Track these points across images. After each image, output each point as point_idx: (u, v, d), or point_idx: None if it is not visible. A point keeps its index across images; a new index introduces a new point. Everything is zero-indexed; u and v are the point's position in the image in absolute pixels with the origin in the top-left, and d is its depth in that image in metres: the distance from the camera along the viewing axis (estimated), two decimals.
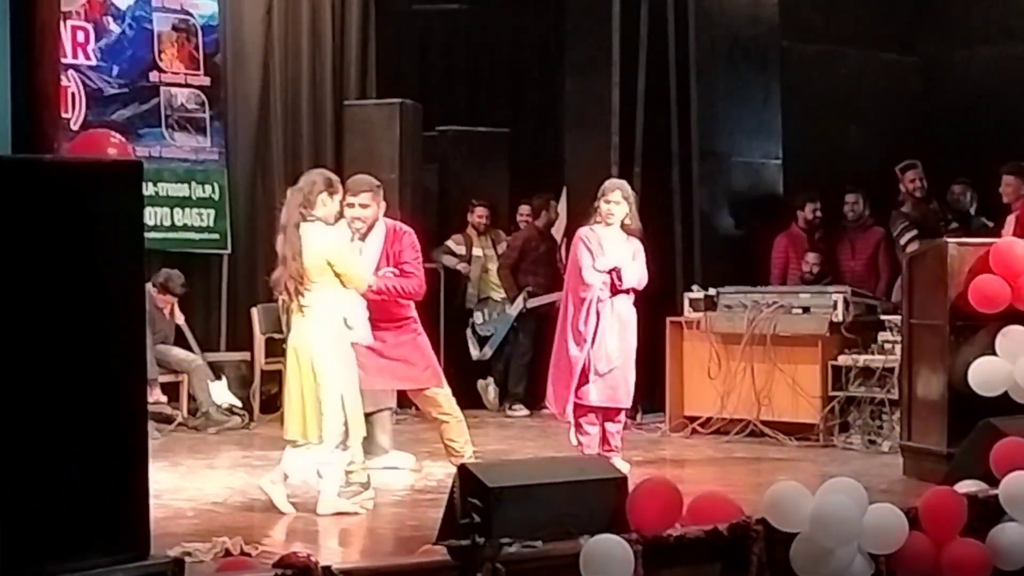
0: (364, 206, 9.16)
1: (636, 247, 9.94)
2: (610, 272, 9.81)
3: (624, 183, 10.36)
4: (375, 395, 9.51)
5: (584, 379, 9.83)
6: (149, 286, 11.82)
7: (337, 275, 8.28)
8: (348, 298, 8.42)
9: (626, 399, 10.04)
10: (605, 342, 9.83)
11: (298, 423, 8.25)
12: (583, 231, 9.99)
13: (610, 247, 9.86)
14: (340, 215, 8.67)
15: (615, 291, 9.84)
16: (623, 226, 9.91)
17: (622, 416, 10.14)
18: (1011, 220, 11.32)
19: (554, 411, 10.10)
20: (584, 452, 9.58)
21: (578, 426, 9.87)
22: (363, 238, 9.18)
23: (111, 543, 4.46)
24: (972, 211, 12.18)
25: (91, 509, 4.43)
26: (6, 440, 4.32)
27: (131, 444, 4.51)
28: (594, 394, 9.84)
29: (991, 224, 11.91)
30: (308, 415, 8.20)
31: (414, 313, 9.54)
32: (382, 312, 9.14)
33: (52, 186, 4.41)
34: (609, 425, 9.96)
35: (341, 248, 8.43)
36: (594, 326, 9.82)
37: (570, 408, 9.84)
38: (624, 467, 9.88)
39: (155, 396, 11.65)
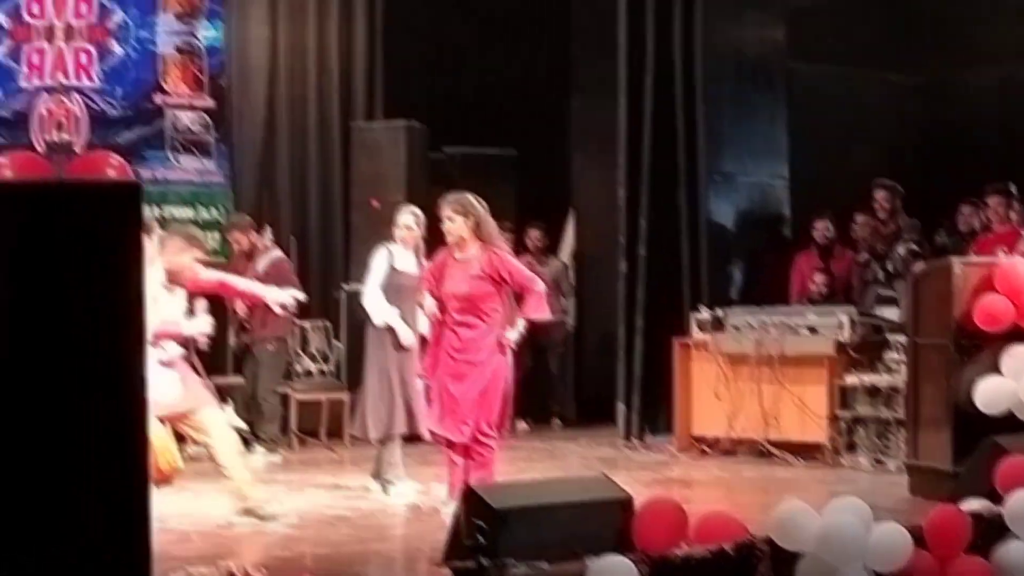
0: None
1: (484, 260, 9.07)
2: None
3: (460, 196, 9.44)
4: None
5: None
6: None
7: None
8: None
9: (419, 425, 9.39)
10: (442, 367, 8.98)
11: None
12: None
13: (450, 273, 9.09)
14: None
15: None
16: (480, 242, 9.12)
17: (487, 439, 8.93)
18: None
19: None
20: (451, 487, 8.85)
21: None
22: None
23: (111, 568, 4.44)
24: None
25: (89, 533, 4.41)
26: (3, 466, 4.32)
27: (131, 467, 4.49)
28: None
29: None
30: None
31: None
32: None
33: (50, 209, 4.41)
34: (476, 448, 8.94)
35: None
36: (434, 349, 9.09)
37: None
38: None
39: None
